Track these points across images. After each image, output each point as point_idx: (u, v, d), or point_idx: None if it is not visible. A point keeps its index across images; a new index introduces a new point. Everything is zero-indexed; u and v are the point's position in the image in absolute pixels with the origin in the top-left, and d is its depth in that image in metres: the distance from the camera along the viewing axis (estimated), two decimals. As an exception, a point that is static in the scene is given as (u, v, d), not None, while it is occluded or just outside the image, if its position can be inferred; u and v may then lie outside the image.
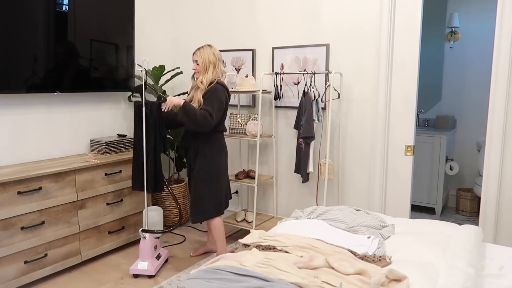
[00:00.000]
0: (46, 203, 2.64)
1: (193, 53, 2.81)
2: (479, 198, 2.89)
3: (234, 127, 3.37)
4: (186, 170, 3.04)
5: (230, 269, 1.54)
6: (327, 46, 3.16)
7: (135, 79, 3.54)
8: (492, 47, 2.58)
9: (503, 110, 2.57)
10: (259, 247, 1.84)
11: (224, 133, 2.91)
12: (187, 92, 3.82)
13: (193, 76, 2.87)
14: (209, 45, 2.80)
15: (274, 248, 1.82)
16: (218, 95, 2.69)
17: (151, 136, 2.72)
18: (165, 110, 2.73)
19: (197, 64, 2.76)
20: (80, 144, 3.28)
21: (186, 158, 2.97)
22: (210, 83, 2.72)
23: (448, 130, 4.14)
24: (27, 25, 2.73)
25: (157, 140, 2.74)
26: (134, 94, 3.60)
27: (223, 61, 2.97)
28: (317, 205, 3.24)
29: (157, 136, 2.74)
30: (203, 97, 2.69)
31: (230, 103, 3.39)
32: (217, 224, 2.86)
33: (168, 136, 3.71)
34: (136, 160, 2.77)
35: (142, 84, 2.83)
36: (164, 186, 2.89)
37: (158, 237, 2.96)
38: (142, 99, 2.74)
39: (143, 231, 2.80)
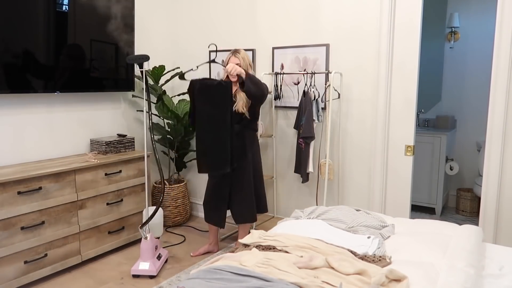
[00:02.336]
0: (46, 203, 2.64)
1: (229, 57, 2.87)
2: (479, 198, 2.89)
3: (234, 127, 3.37)
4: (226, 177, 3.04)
5: (230, 269, 1.54)
6: (327, 46, 3.16)
7: (135, 79, 3.55)
8: (492, 47, 2.58)
9: (503, 110, 2.57)
10: (259, 247, 1.84)
11: None
12: (186, 92, 3.83)
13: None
14: (241, 50, 2.92)
15: (274, 248, 1.82)
16: (261, 84, 2.75)
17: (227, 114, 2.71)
18: (233, 79, 2.75)
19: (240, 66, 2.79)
20: (80, 144, 3.28)
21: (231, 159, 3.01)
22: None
23: (448, 130, 4.14)
24: (27, 25, 2.73)
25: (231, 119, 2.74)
26: (133, 94, 3.61)
27: (224, 62, 2.98)
28: (317, 205, 3.24)
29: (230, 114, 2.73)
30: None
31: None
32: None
33: (168, 136, 3.73)
34: (216, 140, 2.70)
35: (143, 85, 2.82)
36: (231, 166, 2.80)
37: (158, 237, 2.96)
38: (144, 99, 2.74)
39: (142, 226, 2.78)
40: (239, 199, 2.92)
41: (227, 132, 2.70)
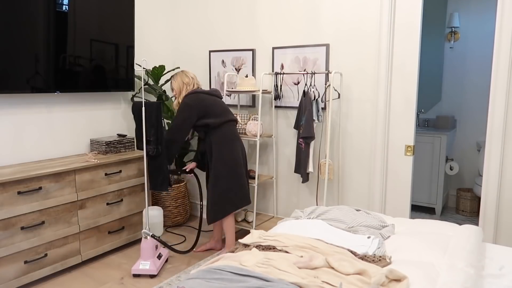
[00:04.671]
0: (46, 203, 2.64)
1: (170, 82, 3.04)
2: (479, 198, 2.90)
3: (234, 127, 3.37)
4: (206, 174, 3.08)
5: (230, 269, 1.54)
6: (327, 46, 3.16)
7: (135, 79, 3.55)
8: (492, 47, 2.58)
9: (503, 110, 2.57)
10: (259, 247, 1.84)
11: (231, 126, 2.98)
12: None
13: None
14: (180, 72, 3.01)
15: (274, 248, 1.82)
16: (179, 113, 2.85)
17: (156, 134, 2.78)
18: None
19: (174, 90, 2.98)
20: (80, 144, 3.28)
21: (205, 162, 3.07)
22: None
23: (448, 130, 4.14)
24: (27, 25, 2.73)
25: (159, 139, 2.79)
26: (136, 94, 3.61)
27: (224, 62, 3.00)
28: (317, 205, 3.24)
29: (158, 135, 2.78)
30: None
31: (230, 103, 3.39)
32: (230, 219, 3.02)
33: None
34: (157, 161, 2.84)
35: (142, 85, 2.83)
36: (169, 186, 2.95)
37: (159, 237, 2.96)
38: (142, 99, 2.74)
39: (160, 242, 2.82)
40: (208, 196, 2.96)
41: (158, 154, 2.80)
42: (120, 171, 3.11)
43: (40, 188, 2.61)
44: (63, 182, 2.74)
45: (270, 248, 1.82)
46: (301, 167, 3.11)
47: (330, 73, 2.99)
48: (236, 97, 3.62)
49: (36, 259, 2.62)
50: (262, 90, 3.22)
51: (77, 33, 3.05)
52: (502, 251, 1.94)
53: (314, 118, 3.03)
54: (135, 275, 2.78)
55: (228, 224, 2.99)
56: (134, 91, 3.55)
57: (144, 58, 3.71)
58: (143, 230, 2.79)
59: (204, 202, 3.66)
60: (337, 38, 3.12)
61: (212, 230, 3.25)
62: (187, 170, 3.09)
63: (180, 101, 2.92)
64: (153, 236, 2.79)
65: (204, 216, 3.77)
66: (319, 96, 3.09)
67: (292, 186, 3.51)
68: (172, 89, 3.00)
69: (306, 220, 2.18)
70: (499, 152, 2.62)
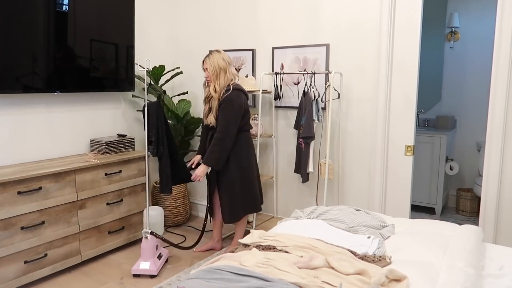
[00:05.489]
0: (46, 203, 2.64)
1: (203, 61, 2.86)
2: (479, 198, 2.89)
3: (234, 127, 3.37)
4: (210, 174, 3.04)
5: (230, 269, 1.54)
6: (327, 46, 3.16)
7: (135, 79, 3.54)
8: (492, 47, 2.58)
9: (503, 110, 2.57)
10: (259, 247, 1.84)
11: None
12: (186, 92, 3.83)
13: (205, 83, 2.92)
14: (217, 51, 2.85)
15: (274, 248, 1.82)
16: (232, 106, 2.76)
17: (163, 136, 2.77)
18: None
19: (208, 72, 2.81)
20: (80, 144, 3.28)
21: None
22: (225, 90, 2.78)
23: (448, 130, 4.14)
24: (27, 25, 2.73)
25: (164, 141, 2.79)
26: (133, 94, 3.61)
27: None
28: (317, 205, 3.24)
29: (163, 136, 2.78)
30: (218, 107, 2.77)
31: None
32: (244, 221, 3.05)
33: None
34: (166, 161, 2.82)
35: (145, 85, 2.83)
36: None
37: (160, 236, 2.96)
38: (145, 100, 2.75)
39: (161, 239, 2.83)
40: (224, 198, 2.95)
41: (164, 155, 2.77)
42: (120, 171, 3.11)
43: (40, 188, 2.60)
44: (63, 182, 2.74)
45: (270, 248, 1.82)
46: (301, 167, 3.11)
47: (330, 73, 2.99)
48: (236, 97, 3.61)
49: (36, 259, 2.62)
50: (262, 90, 3.22)
51: (77, 33, 3.05)
52: (502, 251, 1.94)
53: (314, 118, 3.03)
54: (135, 275, 2.78)
55: (239, 225, 3.03)
56: (134, 91, 3.55)
57: (144, 58, 3.71)
58: (144, 230, 2.79)
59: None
60: (337, 38, 3.12)
61: (211, 230, 3.25)
62: (193, 166, 3.01)
63: (218, 89, 2.76)
64: (152, 234, 2.78)
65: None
66: (319, 96, 3.09)
67: (292, 186, 3.51)
68: (205, 70, 2.82)
69: (306, 220, 2.19)
70: (499, 152, 2.62)
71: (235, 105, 2.77)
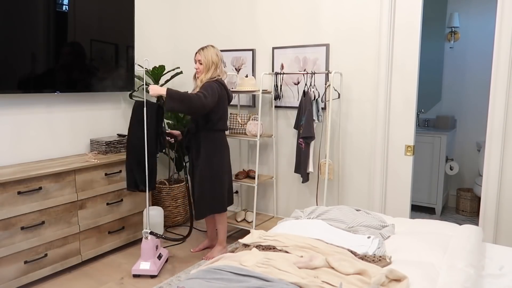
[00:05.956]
0: (46, 203, 2.64)
1: (196, 53, 2.87)
2: (479, 198, 2.89)
3: (234, 127, 3.37)
4: (189, 169, 3.07)
5: (230, 269, 1.54)
6: (327, 46, 3.16)
7: (135, 79, 3.54)
8: (492, 47, 2.58)
9: (503, 110, 2.57)
10: (259, 247, 1.84)
11: (226, 132, 2.97)
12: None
13: (195, 76, 2.95)
14: (212, 46, 2.87)
15: (274, 248, 1.82)
16: (211, 86, 2.73)
17: (152, 136, 2.74)
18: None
19: (200, 64, 2.84)
20: (80, 144, 3.28)
21: (189, 157, 3.05)
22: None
23: (448, 130, 4.14)
24: (27, 25, 2.73)
25: (154, 140, 2.77)
26: (133, 94, 3.61)
27: (224, 62, 2.99)
28: (317, 205, 3.24)
29: (156, 136, 2.77)
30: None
31: (230, 103, 3.35)
32: (222, 219, 3.02)
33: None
34: (134, 159, 2.76)
35: (142, 85, 2.83)
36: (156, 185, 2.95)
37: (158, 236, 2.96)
38: (144, 100, 2.74)
39: (166, 238, 2.84)
40: (196, 195, 2.94)
41: (144, 153, 2.69)
42: (120, 171, 3.11)
43: (40, 188, 2.60)
44: (63, 182, 2.74)
45: (270, 248, 1.82)
46: (301, 167, 3.11)
47: (330, 73, 2.99)
48: (236, 97, 3.62)
49: (36, 259, 2.62)
50: (262, 90, 3.23)
51: (77, 33, 3.05)
52: (502, 251, 1.94)
53: (314, 118, 3.03)
54: (135, 275, 2.78)
55: (219, 221, 3.03)
56: (134, 91, 3.54)
57: (144, 58, 3.70)
58: (144, 230, 2.79)
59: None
60: (337, 38, 3.12)
61: (206, 231, 3.26)
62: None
63: (205, 80, 2.76)
64: (152, 233, 2.78)
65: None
66: (319, 96, 3.09)
67: (292, 186, 3.51)
68: (196, 61, 2.84)
69: (306, 220, 2.19)
70: (499, 152, 2.62)
71: (213, 86, 2.73)
